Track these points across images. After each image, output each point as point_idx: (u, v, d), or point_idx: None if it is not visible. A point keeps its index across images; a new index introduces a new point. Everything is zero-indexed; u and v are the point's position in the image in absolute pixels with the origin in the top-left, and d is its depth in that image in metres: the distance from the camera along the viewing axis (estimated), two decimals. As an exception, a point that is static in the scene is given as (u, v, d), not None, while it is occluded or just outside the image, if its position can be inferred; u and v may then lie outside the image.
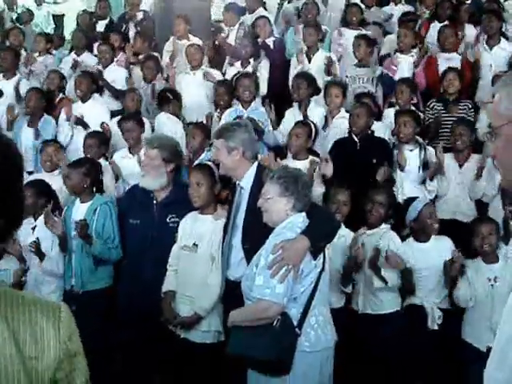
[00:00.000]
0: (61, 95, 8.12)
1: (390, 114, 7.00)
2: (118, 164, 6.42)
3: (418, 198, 5.47)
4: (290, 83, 7.59)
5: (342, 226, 4.91)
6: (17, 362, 1.56)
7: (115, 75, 8.34)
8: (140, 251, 5.02)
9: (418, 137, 6.28)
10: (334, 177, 5.55)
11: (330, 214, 4.48)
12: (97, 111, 7.52)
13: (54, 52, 9.62)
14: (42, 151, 6.47)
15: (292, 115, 7.08)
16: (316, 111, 7.07)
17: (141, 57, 8.67)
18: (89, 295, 5.23)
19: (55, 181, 5.95)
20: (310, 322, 3.77)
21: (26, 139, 7.25)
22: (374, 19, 9.32)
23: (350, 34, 8.51)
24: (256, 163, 4.54)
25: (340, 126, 6.68)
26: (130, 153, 6.53)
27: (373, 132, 6.31)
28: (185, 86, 7.91)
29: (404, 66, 7.93)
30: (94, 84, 7.69)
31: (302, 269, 3.70)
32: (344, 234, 4.98)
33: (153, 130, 7.12)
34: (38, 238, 5.23)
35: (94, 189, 5.55)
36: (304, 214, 3.85)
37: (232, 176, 4.59)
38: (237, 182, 4.53)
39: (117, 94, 8.02)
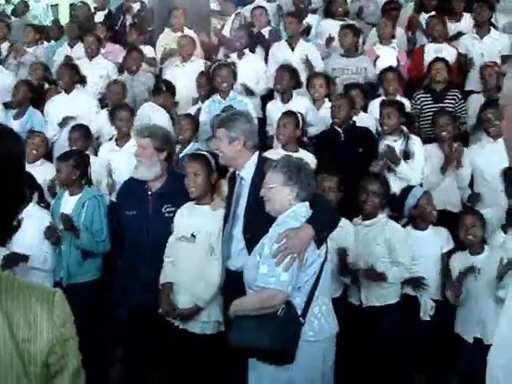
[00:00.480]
0: (47, 86, 8.06)
1: (375, 105, 6.93)
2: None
3: (415, 186, 5.50)
4: (271, 71, 7.59)
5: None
6: (10, 345, 1.59)
7: (101, 68, 8.29)
8: (136, 242, 4.99)
9: (403, 126, 6.24)
10: (321, 169, 5.55)
11: (330, 204, 4.48)
12: (82, 101, 7.46)
13: (45, 44, 9.54)
14: (26, 141, 6.34)
15: (275, 107, 7.07)
16: (301, 102, 7.04)
17: None
18: (76, 288, 5.18)
19: (39, 172, 5.90)
20: (313, 312, 3.76)
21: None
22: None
23: (335, 25, 8.51)
24: (257, 153, 4.52)
25: (326, 116, 6.68)
26: (117, 145, 6.51)
27: (354, 122, 6.32)
28: (174, 78, 7.85)
29: (385, 57, 7.92)
30: (76, 75, 7.62)
31: (306, 258, 3.69)
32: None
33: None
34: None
35: (83, 181, 5.54)
36: (307, 203, 3.83)
37: (232, 166, 4.57)
38: (237, 172, 4.52)
39: None
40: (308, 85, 7.10)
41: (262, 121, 7.24)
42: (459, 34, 8.46)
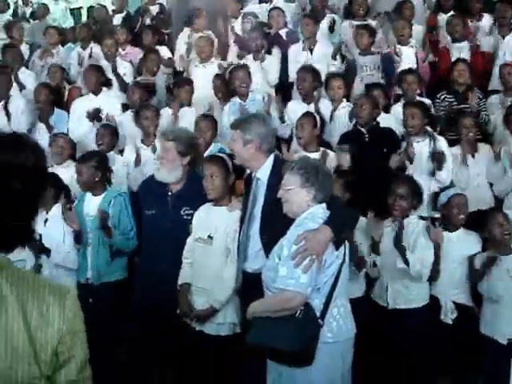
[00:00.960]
0: (68, 86, 8.15)
1: (397, 109, 6.88)
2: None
3: (452, 186, 5.56)
4: (294, 75, 7.55)
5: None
6: (23, 334, 1.72)
7: (119, 69, 8.33)
8: (155, 243, 5.00)
9: (427, 127, 6.21)
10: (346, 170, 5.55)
11: (349, 206, 4.47)
12: (109, 104, 7.48)
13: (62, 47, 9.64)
14: (51, 143, 6.42)
15: (296, 107, 7.04)
16: (323, 103, 7.04)
17: None
18: (104, 287, 5.23)
19: (65, 173, 5.93)
20: (332, 313, 3.75)
21: (39, 134, 7.14)
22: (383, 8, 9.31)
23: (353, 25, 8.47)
24: (273, 155, 4.50)
25: (342, 117, 6.71)
26: (143, 143, 6.56)
27: (378, 123, 6.28)
28: (194, 78, 7.85)
29: (404, 58, 7.87)
30: (102, 76, 7.67)
31: (324, 259, 3.67)
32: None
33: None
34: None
35: (105, 182, 5.55)
36: (324, 204, 3.82)
37: (247, 167, 4.57)
38: (253, 174, 4.51)
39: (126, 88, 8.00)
40: (326, 86, 7.07)
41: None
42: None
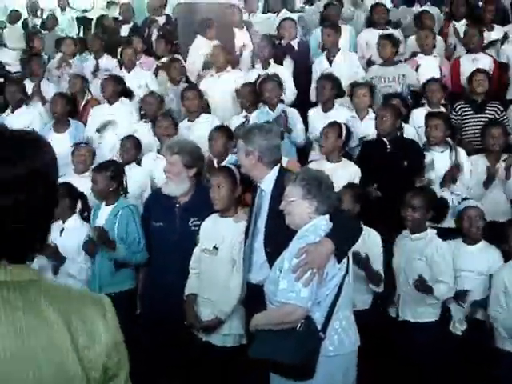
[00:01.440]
0: (86, 97, 8.19)
1: (417, 114, 6.90)
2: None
3: (468, 198, 5.54)
4: (314, 85, 7.56)
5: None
6: (71, 353, 1.58)
7: (139, 79, 8.39)
8: (163, 254, 5.02)
9: (448, 138, 6.19)
10: (365, 178, 5.52)
11: (352, 218, 4.45)
12: (124, 113, 7.56)
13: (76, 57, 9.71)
14: (73, 153, 6.47)
15: (316, 115, 7.06)
16: (341, 112, 7.02)
17: (164, 59, 8.72)
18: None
19: (86, 183, 5.87)
20: (333, 326, 3.72)
21: (55, 146, 7.22)
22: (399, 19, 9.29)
23: (375, 34, 8.42)
24: (277, 167, 4.48)
25: (369, 127, 6.62)
26: (160, 153, 6.54)
27: (402, 134, 6.25)
28: (209, 88, 7.88)
29: (427, 68, 7.83)
30: (120, 86, 7.71)
31: (326, 272, 3.64)
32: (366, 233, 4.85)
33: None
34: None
35: (120, 192, 5.56)
36: (327, 216, 3.79)
37: (251, 177, 4.56)
38: (257, 184, 4.50)
39: None
40: (351, 94, 7.05)
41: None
42: (493, 43, 8.33)
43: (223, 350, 4.67)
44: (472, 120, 6.96)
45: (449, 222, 5.51)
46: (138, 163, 6.70)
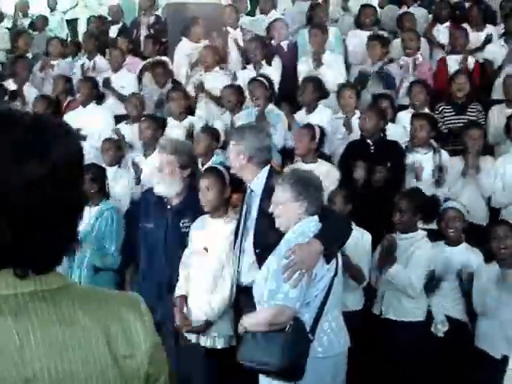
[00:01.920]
0: (69, 98, 8.18)
1: (402, 116, 6.94)
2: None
3: (450, 199, 5.54)
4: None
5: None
6: (111, 363, 1.45)
7: (125, 80, 8.39)
8: (153, 255, 4.97)
9: (432, 140, 6.22)
10: (348, 179, 5.51)
11: (342, 217, 4.44)
12: (98, 115, 7.55)
13: (68, 58, 9.68)
14: None
15: (299, 118, 7.04)
16: (324, 114, 7.06)
17: (151, 60, 8.74)
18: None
19: None
20: (322, 327, 3.73)
21: None
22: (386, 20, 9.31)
23: (363, 35, 8.48)
24: (267, 167, 4.48)
25: (356, 129, 6.64)
26: (144, 155, 6.59)
27: (385, 135, 6.26)
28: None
29: (410, 69, 7.84)
30: (95, 89, 7.73)
31: (315, 273, 3.64)
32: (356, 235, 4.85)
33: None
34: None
35: (102, 194, 5.62)
36: (316, 217, 3.79)
37: (241, 177, 4.55)
38: (247, 185, 4.50)
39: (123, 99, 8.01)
40: (338, 96, 7.07)
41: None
42: (487, 42, 8.39)
43: (213, 352, 4.65)
44: (454, 121, 7.00)
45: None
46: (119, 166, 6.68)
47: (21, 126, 1.41)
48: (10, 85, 8.41)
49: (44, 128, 1.44)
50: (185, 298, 4.76)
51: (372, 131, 6.11)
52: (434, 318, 5.06)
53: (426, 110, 6.96)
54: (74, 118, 7.24)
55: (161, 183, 5.01)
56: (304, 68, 8.00)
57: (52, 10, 12.81)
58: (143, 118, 6.87)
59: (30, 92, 8.40)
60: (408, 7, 9.68)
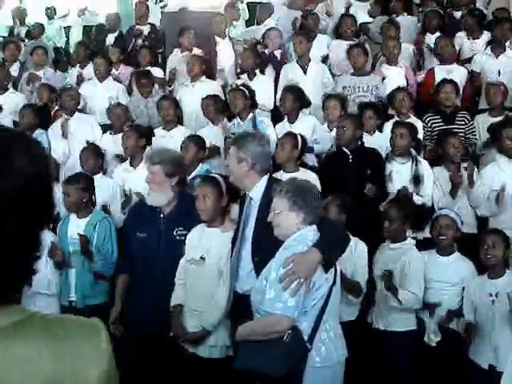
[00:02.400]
0: (56, 107, 8.15)
1: (388, 126, 6.83)
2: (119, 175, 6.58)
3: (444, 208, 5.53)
4: (278, 96, 7.62)
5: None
6: None
7: (112, 90, 8.37)
8: (148, 265, 4.92)
9: (411, 149, 6.23)
10: (328, 191, 5.47)
11: (340, 227, 4.43)
12: (84, 125, 7.58)
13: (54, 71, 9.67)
14: None
15: (282, 128, 7.02)
16: (306, 123, 7.06)
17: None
18: (89, 310, 5.15)
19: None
20: (320, 337, 3.72)
21: None
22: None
23: (344, 45, 8.43)
24: (267, 175, 4.47)
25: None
26: (131, 166, 6.57)
27: (363, 143, 6.27)
28: (183, 97, 7.90)
29: (393, 77, 7.87)
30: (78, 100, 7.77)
31: (313, 282, 3.65)
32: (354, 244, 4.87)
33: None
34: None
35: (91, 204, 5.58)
36: (314, 226, 3.80)
37: (240, 186, 4.52)
38: (246, 193, 4.47)
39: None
40: (323, 106, 7.08)
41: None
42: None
43: (209, 362, 4.62)
44: (441, 131, 6.95)
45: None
46: (104, 173, 6.69)
47: None
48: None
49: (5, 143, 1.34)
50: (181, 307, 4.74)
51: (348, 140, 6.11)
52: (427, 329, 5.06)
53: (412, 118, 6.99)
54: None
55: (151, 194, 5.02)
56: (290, 74, 8.03)
57: (50, 18, 12.78)
58: (126, 129, 6.87)
59: (15, 99, 8.42)
60: (397, 16, 9.64)
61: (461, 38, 8.79)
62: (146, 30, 10.13)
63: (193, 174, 6.09)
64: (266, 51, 8.68)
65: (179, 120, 7.52)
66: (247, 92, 7.14)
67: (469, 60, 8.45)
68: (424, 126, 7.09)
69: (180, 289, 4.77)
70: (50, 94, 8.24)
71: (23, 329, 1.34)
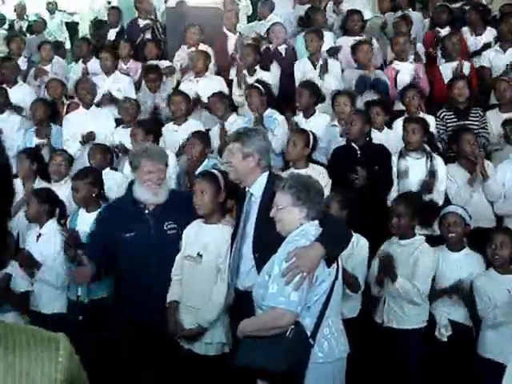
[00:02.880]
0: (67, 102, 8.17)
1: (399, 123, 6.76)
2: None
3: (452, 204, 5.51)
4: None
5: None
6: None
7: (120, 83, 8.33)
8: (141, 263, 4.78)
9: (425, 145, 6.20)
10: (336, 185, 5.49)
11: (342, 222, 4.39)
12: (100, 118, 7.55)
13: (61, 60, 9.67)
14: (50, 161, 6.44)
15: (298, 122, 7.00)
16: (320, 119, 7.06)
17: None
18: (93, 304, 5.18)
19: (63, 190, 5.95)
20: (323, 332, 3.68)
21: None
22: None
23: (351, 42, 8.35)
24: (267, 172, 4.40)
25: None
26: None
27: (371, 139, 6.24)
28: (187, 92, 7.79)
29: (404, 74, 7.81)
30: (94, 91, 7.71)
31: (316, 276, 3.60)
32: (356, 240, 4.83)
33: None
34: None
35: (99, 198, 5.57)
36: (317, 222, 3.76)
37: (242, 182, 4.44)
38: (247, 189, 4.41)
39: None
40: (333, 102, 7.01)
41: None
42: (485, 47, 8.38)
43: (205, 359, 4.57)
44: (455, 127, 6.90)
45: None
46: (116, 169, 6.69)
47: None
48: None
49: None
50: (177, 303, 4.69)
51: (356, 136, 6.10)
52: (438, 323, 5.02)
53: (422, 115, 6.91)
54: (77, 122, 7.36)
55: (158, 192, 4.88)
56: (302, 70, 7.98)
57: (52, 13, 12.79)
58: (133, 124, 6.87)
59: (24, 93, 8.46)
60: (402, 11, 9.56)
61: (465, 33, 8.73)
62: (149, 24, 10.13)
63: (199, 169, 6.04)
64: (271, 46, 8.66)
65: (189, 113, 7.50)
66: (263, 88, 7.12)
67: (473, 55, 8.42)
68: (438, 122, 7.05)
69: (176, 285, 4.71)
70: (61, 89, 8.29)
71: None
